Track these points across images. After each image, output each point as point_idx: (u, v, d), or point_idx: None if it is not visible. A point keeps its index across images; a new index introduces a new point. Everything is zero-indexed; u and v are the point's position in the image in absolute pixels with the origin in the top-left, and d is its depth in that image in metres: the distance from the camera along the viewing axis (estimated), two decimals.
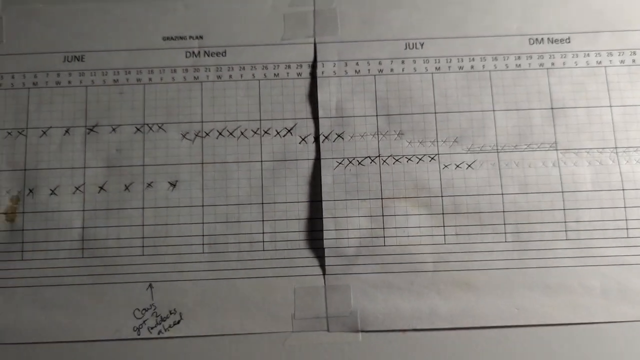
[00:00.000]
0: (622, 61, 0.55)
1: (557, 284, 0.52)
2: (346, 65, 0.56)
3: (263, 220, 0.54)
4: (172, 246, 0.54)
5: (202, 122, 0.56)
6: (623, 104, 0.55)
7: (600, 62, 0.56)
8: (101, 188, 0.55)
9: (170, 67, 0.57)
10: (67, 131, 0.55)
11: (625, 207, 0.53)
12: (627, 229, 0.52)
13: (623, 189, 0.53)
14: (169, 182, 0.55)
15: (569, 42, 0.56)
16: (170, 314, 0.53)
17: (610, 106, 0.55)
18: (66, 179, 0.55)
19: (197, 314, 0.52)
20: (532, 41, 0.56)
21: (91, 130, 0.56)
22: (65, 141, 0.55)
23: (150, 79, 0.56)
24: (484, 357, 0.51)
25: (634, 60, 0.55)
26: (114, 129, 0.56)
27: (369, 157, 0.55)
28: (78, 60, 0.57)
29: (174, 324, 0.52)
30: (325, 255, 0.53)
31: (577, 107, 0.55)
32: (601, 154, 0.54)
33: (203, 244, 0.54)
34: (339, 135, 0.55)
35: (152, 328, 0.52)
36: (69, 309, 0.52)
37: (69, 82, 0.56)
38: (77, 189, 0.54)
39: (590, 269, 0.52)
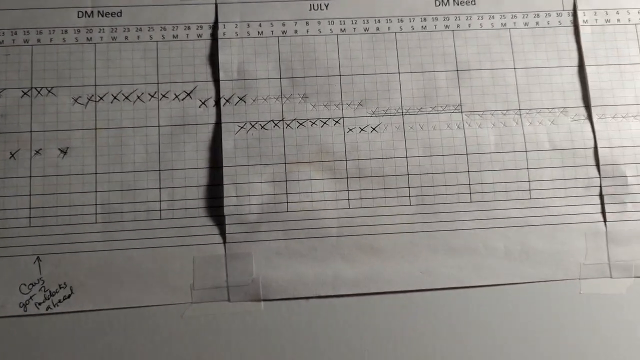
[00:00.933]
0: (526, 23, 0.55)
1: (461, 247, 0.51)
2: (249, 26, 0.54)
3: (160, 188, 0.51)
4: (62, 216, 0.50)
5: (95, 85, 0.52)
6: (526, 66, 0.54)
7: (505, 24, 0.55)
8: None
9: (61, 28, 0.53)
10: None
11: (528, 169, 0.53)
12: (529, 190, 0.52)
13: (526, 150, 0.53)
14: (59, 149, 0.51)
15: (475, 4, 0.55)
16: (60, 288, 0.49)
17: (515, 68, 0.54)
18: None
19: (89, 287, 0.49)
20: (438, 3, 0.55)
21: None
22: None
23: (38, 40, 0.53)
24: (389, 323, 0.50)
25: (537, 23, 0.55)
26: None
27: (272, 120, 0.53)
28: None
29: (64, 299, 0.49)
30: (226, 222, 0.51)
31: (481, 69, 0.54)
32: (505, 115, 0.53)
33: (96, 214, 0.50)
34: (240, 99, 0.53)
35: (39, 304, 0.49)
36: None
37: None
38: None
39: (494, 231, 0.52)
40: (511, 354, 0.50)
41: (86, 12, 0.54)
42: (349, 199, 0.52)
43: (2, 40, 0.53)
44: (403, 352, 0.50)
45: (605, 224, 0.52)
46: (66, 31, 0.53)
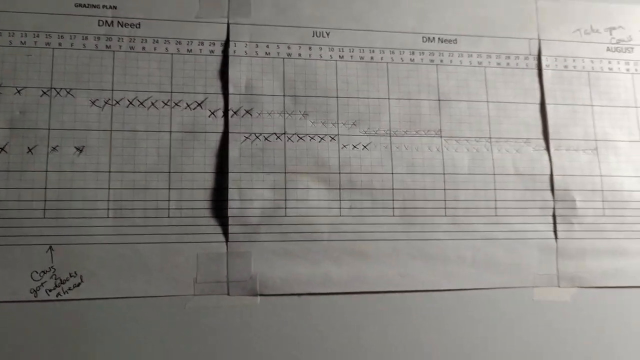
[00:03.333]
0: (498, 63, 0.64)
1: (436, 255, 0.59)
2: (257, 46, 0.60)
3: (169, 189, 0.56)
4: (75, 210, 0.54)
5: (112, 90, 0.57)
6: (497, 100, 0.63)
7: (481, 63, 0.63)
8: (2, 149, 0.54)
9: (82, 34, 0.57)
10: None
11: (495, 190, 0.61)
12: (495, 208, 0.60)
13: (494, 174, 0.61)
14: (75, 147, 0.55)
15: (456, 43, 0.63)
16: (71, 276, 0.53)
17: (487, 101, 0.63)
18: None
19: (98, 277, 0.53)
20: (425, 39, 0.63)
21: None
22: None
23: (60, 44, 0.56)
24: (371, 319, 0.57)
25: (508, 64, 0.64)
26: (18, 91, 0.55)
27: (275, 133, 0.58)
28: None
29: (74, 287, 0.53)
30: (229, 223, 0.56)
31: (460, 100, 0.62)
32: (478, 142, 0.61)
33: (108, 209, 0.54)
34: (247, 112, 0.58)
35: (50, 290, 0.52)
36: None
37: None
38: None
39: (464, 242, 0.59)
40: (473, 351, 0.58)
41: (107, 21, 0.58)
42: (340, 208, 0.58)
43: (25, 42, 0.56)
44: (382, 345, 0.56)
45: (556, 241, 0.61)
46: (87, 37, 0.57)
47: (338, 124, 0.60)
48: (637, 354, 0.60)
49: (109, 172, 0.55)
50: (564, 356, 0.59)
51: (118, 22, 0.58)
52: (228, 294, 0.55)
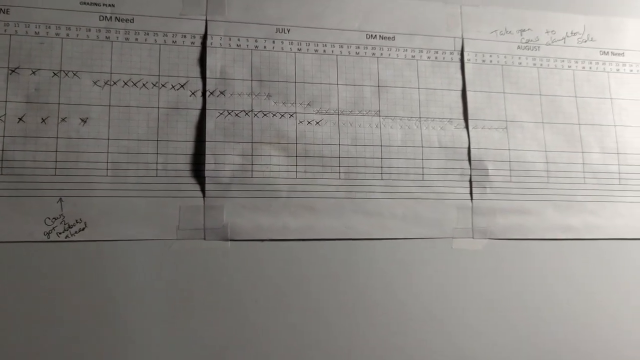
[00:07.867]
0: (428, 57, 0.78)
1: (373, 211, 0.73)
2: (230, 40, 0.73)
3: (157, 153, 0.69)
4: (81, 169, 0.67)
5: (111, 73, 0.69)
6: (427, 87, 0.77)
7: (414, 57, 0.78)
8: (20, 119, 0.66)
9: (86, 27, 0.70)
10: None
11: (422, 159, 0.75)
12: (423, 174, 0.75)
13: (422, 147, 0.75)
14: (80, 119, 0.68)
15: (394, 39, 0.77)
16: (77, 222, 0.66)
17: (418, 88, 0.77)
18: None
19: (100, 223, 0.66)
20: (368, 36, 0.77)
21: (13, 71, 0.67)
22: None
23: (67, 35, 0.69)
24: (321, 261, 0.71)
25: (436, 57, 0.78)
26: (33, 72, 0.67)
27: (244, 110, 0.72)
28: (3, 12, 0.68)
29: (80, 231, 0.66)
30: (206, 182, 0.69)
31: (395, 86, 0.76)
32: (410, 121, 0.76)
33: (107, 169, 0.67)
34: (221, 93, 0.72)
35: (60, 233, 0.65)
36: None
37: None
38: None
39: (396, 201, 0.73)
40: (402, 288, 0.72)
41: (106, 16, 0.70)
42: (296, 172, 0.72)
43: (38, 32, 0.68)
44: (328, 282, 0.71)
45: (472, 201, 0.75)
46: (89, 30, 0.70)
47: (296, 104, 0.73)
48: (533, 291, 0.75)
49: (108, 139, 0.68)
50: (476, 294, 0.74)
51: (115, 17, 0.71)
52: (204, 239, 0.69)
